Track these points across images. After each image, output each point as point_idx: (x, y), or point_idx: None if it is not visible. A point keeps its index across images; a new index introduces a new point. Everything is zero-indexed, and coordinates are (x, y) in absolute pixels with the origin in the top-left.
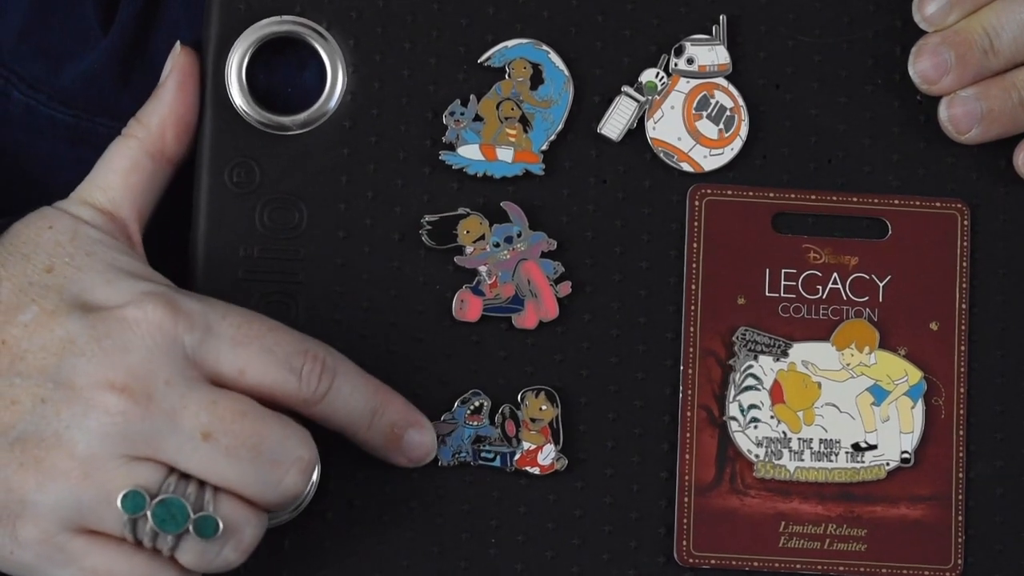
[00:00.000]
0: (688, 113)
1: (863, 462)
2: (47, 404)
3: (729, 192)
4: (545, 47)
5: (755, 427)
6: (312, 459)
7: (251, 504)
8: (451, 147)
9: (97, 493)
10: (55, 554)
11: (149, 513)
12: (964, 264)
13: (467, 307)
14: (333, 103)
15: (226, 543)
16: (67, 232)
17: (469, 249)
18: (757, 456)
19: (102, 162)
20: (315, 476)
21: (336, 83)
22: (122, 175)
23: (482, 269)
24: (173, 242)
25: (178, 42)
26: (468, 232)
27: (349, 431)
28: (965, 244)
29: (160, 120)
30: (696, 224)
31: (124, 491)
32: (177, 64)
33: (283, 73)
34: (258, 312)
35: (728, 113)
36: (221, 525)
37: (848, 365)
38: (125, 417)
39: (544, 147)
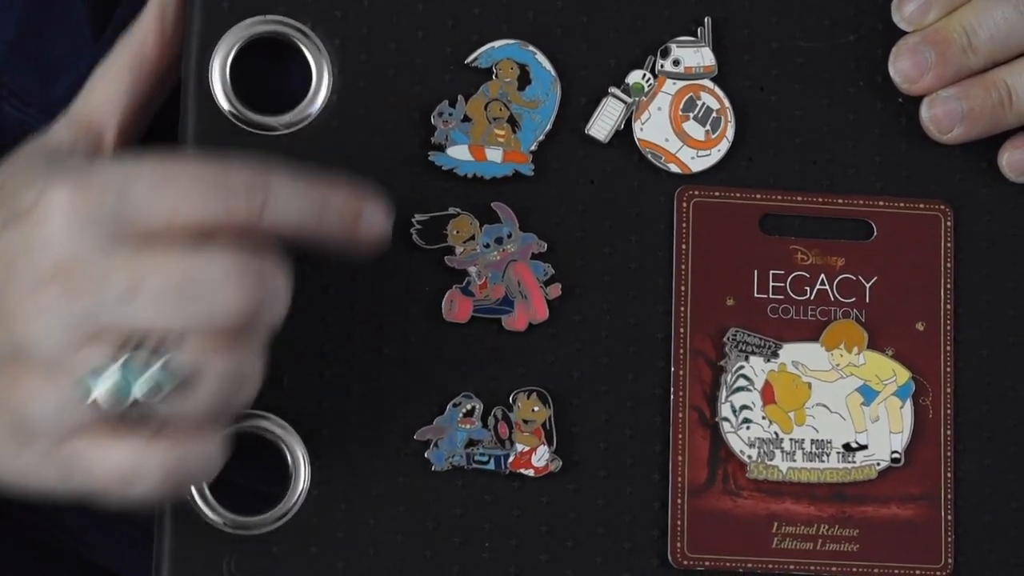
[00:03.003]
0: (675, 114)
1: (854, 462)
2: (6, 320)
3: (716, 193)
4: (531, 48)
5: (747, 428)
6: (247, 264)
7: (216, 338)
8: (440, 148)
9: (68, 390)
10: (65, 464)
11: (106, 387)
12: (948, 265)
13: (456, 307)
14: (319, 103)
15: (200, 384)
16: (24, 153)
17: (459, 249)
18: (750, 457)
19: (90, 78)
20: (303, 483)
21: (321, 83)
22: (103, 84)
23: (472, 270)
24: None
25: None
26: (458, 232)
27: (304, 233)
28: (949, 245)
29: (142, 28)
30: (684, 225)
31: (80, 375)
32: None
33: (268, 72)
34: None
35: (714, 115)
36: (171, 375)
37: (837, 365)
38: (60, 305)
39: (533, 147)
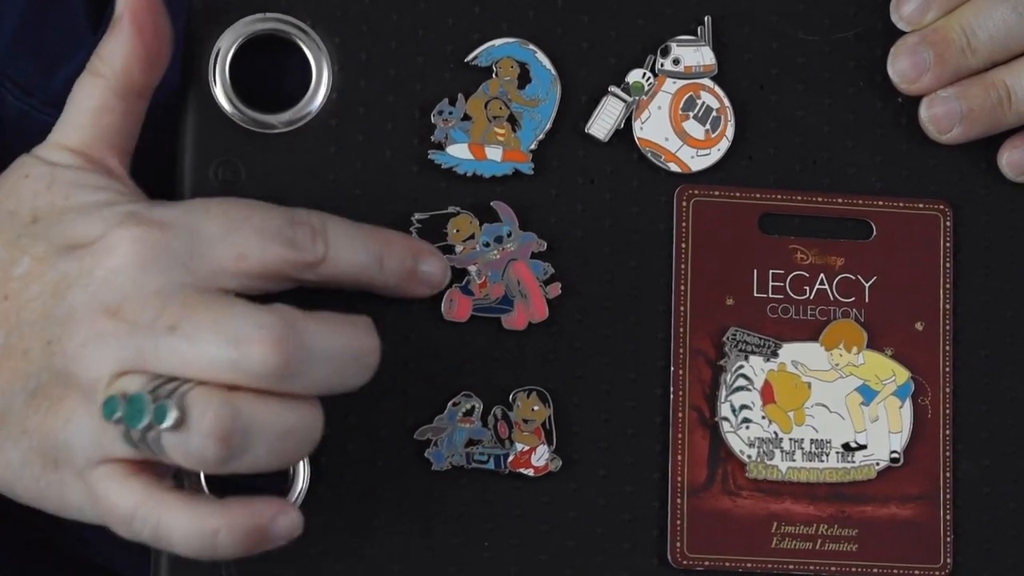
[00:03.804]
0: (675, 113)
1: (853, 462)
2: (53, 344)
3: (716, 193)
4: (532, 46)
5: (747, 427)
6: (279, 331)
7: (236, 389)
8: (440, 146)
9: (101, 415)
10: (87, 494)
11: (121, 412)
12: (947, 264)
13: (456, 306)
14: (318, 101)
15: (192, 431)
16: (44, 179)
17: (459, 248)
18: (749, 457)
19: (72, 101)
20: (303, 482)
21: (321, 81)
22: (93, 116)
23: (472, 268)
24: None
25: None
26: (458, 231)
27: (363, 281)
28: (948, 244)
29: (124, 59)
30: (684, 225)
31: (104, 398)
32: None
33: (267, 70)
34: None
35: (714, 114)
36: (173, 410)
37: (837, 365)
38: (114, 339)
39: (533, 146)
